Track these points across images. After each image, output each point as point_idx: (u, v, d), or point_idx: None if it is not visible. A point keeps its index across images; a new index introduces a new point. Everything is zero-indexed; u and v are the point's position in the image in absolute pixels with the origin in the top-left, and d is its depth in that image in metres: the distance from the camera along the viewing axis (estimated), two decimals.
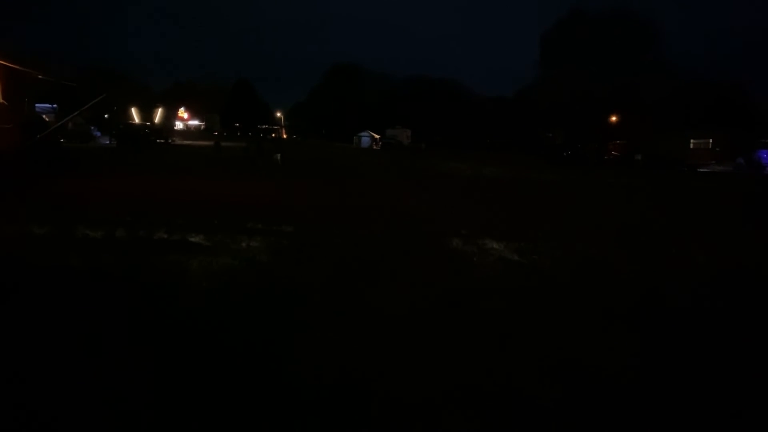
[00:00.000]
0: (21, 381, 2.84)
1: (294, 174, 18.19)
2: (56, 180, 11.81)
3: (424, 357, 3.36)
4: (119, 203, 9.02)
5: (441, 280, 5.14)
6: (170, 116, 49.13)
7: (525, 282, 5.25)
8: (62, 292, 4.31)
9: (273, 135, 74.58)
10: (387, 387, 2.92)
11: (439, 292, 4.73)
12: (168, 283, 4.61)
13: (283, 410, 2.66)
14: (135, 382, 2.87)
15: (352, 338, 3.61)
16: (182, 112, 75.20)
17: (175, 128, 54.19)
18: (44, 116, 23.61)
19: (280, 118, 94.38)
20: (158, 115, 42.08)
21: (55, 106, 32.29)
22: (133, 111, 39.79)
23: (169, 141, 37.89)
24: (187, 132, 65.26)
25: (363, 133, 69.17)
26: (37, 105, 26.37)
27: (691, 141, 44.86)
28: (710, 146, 43.78)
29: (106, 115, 42.99)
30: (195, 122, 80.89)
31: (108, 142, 33.06)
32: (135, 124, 36.93)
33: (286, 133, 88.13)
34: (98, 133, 36.12)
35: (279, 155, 22.68)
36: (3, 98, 12.76)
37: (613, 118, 52.87)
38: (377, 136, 67.23)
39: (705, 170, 38.84)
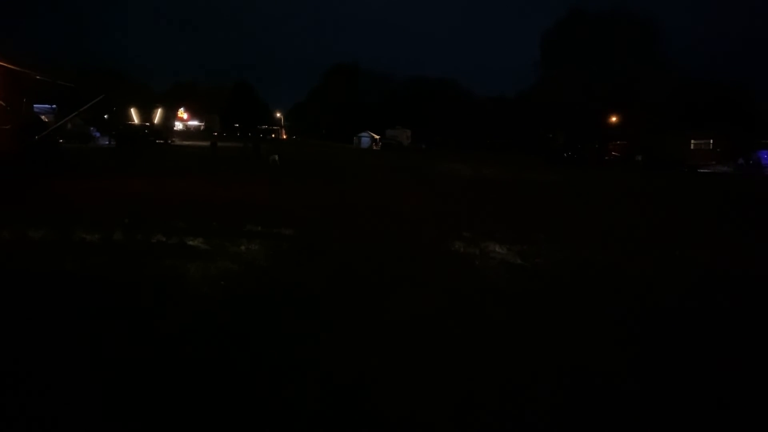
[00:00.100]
0: (11, 392, 2.75)
1: (292, 175, 18.09)
2: (54, 181, 11.72)
3: (428, 366, 3.27)
4: (118, 205, 8.93)
5: (443, 285, 5.05)
6: (170, 117, 48.98)
7: (529, 286, 5.16)
8: (57, 297, 4.22)
9: (273, 135, 74.48)
10: (389, 398, 2.84)
11: (441, 297, 4.64)
12: (167, 288, 4.52)
13: (283, 422, 2.58)
14: (130, 392, 2.78)
15: (354, 346, 3.52)
16: (182, 113, 75.04)
17: (175, 129, 54.06)
18: (43, 117, 23.54)
19: (279, 119, 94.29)
20: (158, 115, 41.98)
21: (54, 106, 32.21)
22: (133, 111, 39.72)
23: (169, 142, 37.81)
24: (187, 132, 65.13)
25: (363, 134, 69.07)
26: (36, 106, 26.29)
27: (692, 141, 44.80)
28: (711, 147, 43.71)
29: (105, 116, 42.89)
30: (195, 123, 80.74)
31: (107, 142, 32.96)
32: (134, 124, 36.85)
33: (285, 134, 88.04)
34: (98, 134, 36.00)
35: (276, 156, 22.57)
36: (1, 99, 12.68)
37: (614, 119, 52.79)
38: (377, 137, 67.13)
39: (706, 171, 38.78)
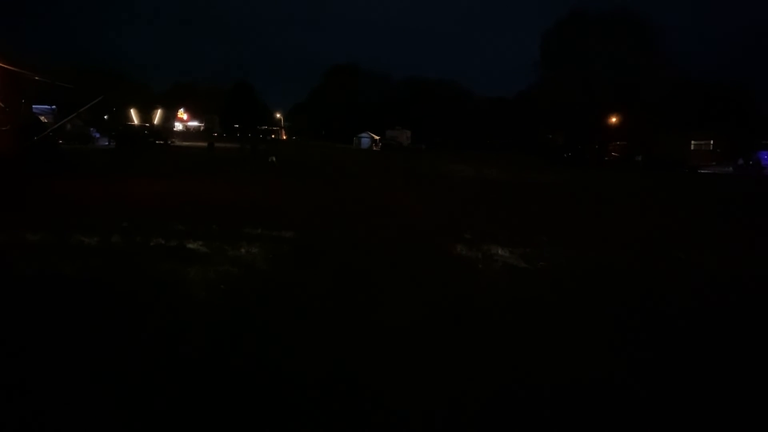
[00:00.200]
0: (4, 399, 2.69)
1: (290, 176, 18.03)
2: (53, 182, 11.66)
3: (432, 374, 3.21)
4: (116, 207, 8.86)
5: (445, 288, 4.99)
6: (169, 117, 48.99)
7: (534, 291, 5.10)
8: (53, 302, 4.15)
9: (273, 136, 74.38)
10: (389, 404, 2.78)
11: (444, 301, 4.58)
12: (165, 293, 4.46)
13: (283, 425, 2.52)
14: (127, 398, 2.72)
15: (354, 353, 3.45)
16: (181, 114, 74.98)
17: (175, 129, 54.03)
18: (42, 117, 23.48)
19: (279, 119, 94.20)
20: (157, 116, 41.97)
21: (53, 107, 32.14)
22: (132, 112, 39.68)
23: (168, 142, 37.76)
24: (187, 133, 65.06)
25: (363, 134, 69.02)
26: (35, 106, 26.22)
27: (692, 142, 44.77)
28: (711, 147, 43.68)
29: (105, 117, 42.85)
30: (194, 123, 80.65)
31: (107, 143, 32.90)
32: (134, 125, 36.82)
33: (285, 134, 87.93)
34: (97, 135, 35.95)
35: (274, 157, 22.52)
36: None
37: (614, 119, 52.74)
38: (377, 137, 67.08)
39: (706, 171, 38.76)
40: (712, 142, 43.97)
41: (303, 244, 6.69)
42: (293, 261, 5.79)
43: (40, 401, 2.70)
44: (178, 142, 40.88)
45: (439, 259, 6.20)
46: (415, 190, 15.44)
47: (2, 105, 12.64)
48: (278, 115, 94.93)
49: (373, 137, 67.29)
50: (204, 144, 36.37)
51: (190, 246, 6.09)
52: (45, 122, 20.54)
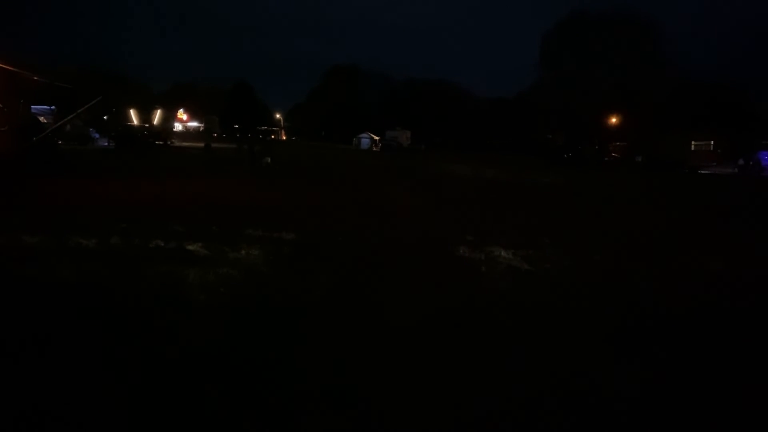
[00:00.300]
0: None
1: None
2: (51, 183, 11.58)
3: (438, 379, 3.14)
4: (115, 208, 8.79)
5: (449, 292, 4.92)
6: (169, 118, 48.86)
7: (539, 295, 5.03)
8: (48, 306, 4.08)
9: (273, 136, 74.30)
10: (391, 411, 2.70)
11: (447, 306, 4.51)
12: (164, 296, 4.39)
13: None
14: (125, 403, 2.64)
15: (356, 360, 3.38)
16: (181, 114, 74.94)
17: (174, 130, 53.95)
18: (42, 118, 23.41)
19: (279, 120, 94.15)
20: (157, 116, 41.86)
21: (53, 108, 32.07)
22: (132, 113, 39.59)
23: (168, 143, 37.67)
24: (186, 134, 65.02)
25: (362, 135, 68.99)
26: (35, 107, 26.15)
27: (692, 142, 44.66)
28: (711, 148, 43.58)
29: (104, 117, 42.77)
30: (194, 124, 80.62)
31: (106, 144, 32.83)
32: (133, 126, 36.72)
33: (285, 135, 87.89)
34: (97, 135, 35.86)
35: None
36: None
37: (614, 120, 52.72)
38: (377, 138, 67.03)
39: (706, 172, 38.68)
40: (712, 142, 43.85)
41: (303, 245, 6.62)
42: (294, 263, 5.72)
43: (36, 406, 2.62)
44: (177, 143, 40.79)
45: (441, 262, 6.13)
46: (414, 191, 15.37)
47: (1, 105, 12.57)
48: (278, 116, 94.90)
49: (372, 138, 67.25)
50: (204, 144, 36.26)
51: (190, 248, 6.02)
52: (44, 123, 20.47)
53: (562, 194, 16.80)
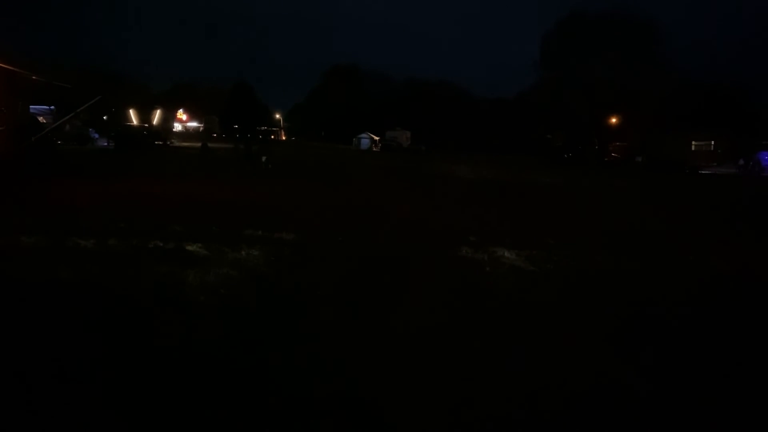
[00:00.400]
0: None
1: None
2: (50, 183, 11.50)
3: (443, 384, 3.06)
4: (114, 208, 8.71)
5: (453, 294, 4.84)
6: (169, 118, 48.80)
7: (544, 295, 4.95)
8: (45, 307, 4.00)
9: (273, 137, 74.19)
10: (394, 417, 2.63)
11: (452, 307, 4.43)
12: (163, 298, 4.30)
13: None
14: (122, 407, 2.56)
15: (358, 363, 3.30)
16: (181, 114, 74.82)
17: (174, 130, 53.88)
18: (41, 118, 23.33)
19: (279, 120, 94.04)
20: (156, 116, 41.80)
21: (52, 107, 31.98)
22: (131, 113, 39.53)
23: (168, 143, 37.60)
24: (186, 134, 64.92)
25: (362, 135, 68.85)
26: (34, 107, 26.06)
27: (693, 143, 44.57)
28: (712, 148, 43.49)
29: (104, 117, 42.70)
30: (194, 124, 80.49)
31: (106, 144, 32.74)
32: (133, 126, 36.66)
33: (285, 135, 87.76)
34: (96, 135, 35.77)
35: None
36: None
37: (614, 120, 52.64)
38: (377, 138, 66.92)
39: (707, 172, 38.61)
40: (713, 142, 43.73)
41: (301, 247, 6.54)
42: (295, 264, 5.64)
43: (33, 409, 2.55)
44: (177, 143, 40.71)
45: (444, 263, 6.05)
46: (415, 192, 15.29)
47: None
48: (278, 116, 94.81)
49: (372, 138, 67.13)
50: (208, 144, 36.15)
51: (189, 248, 5.94)
52: (43, 122, 20.38)
53: (562, 194, 16.73)
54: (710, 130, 45.11)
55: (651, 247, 7.77)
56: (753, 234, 9.75)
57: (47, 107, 30.42)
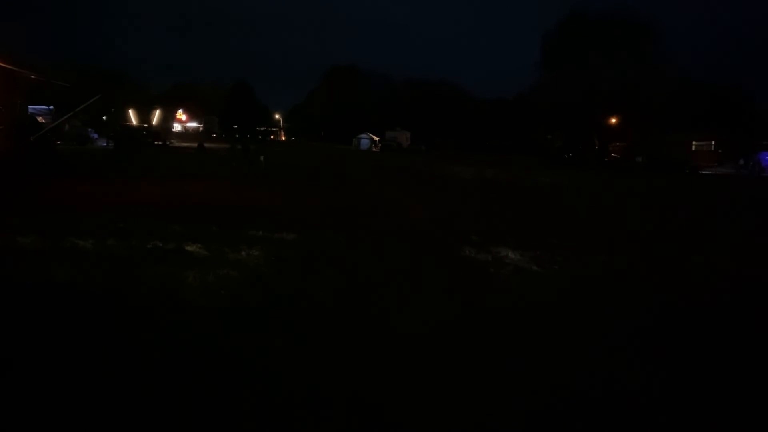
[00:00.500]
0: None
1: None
2: (49, 183, 11.42)
3: (449, 389, 2.98)
4: (113, 208, 8.63)
5: (458, 295, 4.76)
6: (168, 118, 48.73)
7: (550, 295, 4.87)
8: (42, 309, 3.92)
9: (272, 137, 74.10)
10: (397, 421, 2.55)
11: (456, 309, 4.35)
12: (162, 300, 4.22)
13: None
14: (121, 409, 2.49)
15: (362, 367, 3.22)
16: (180, 114, 74.71)
17: (174, 130, 53.79)
18: (40, 118, 23.24)
19: (279, 120, 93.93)
20: (156, 117, 41.74)
21: (51, 107, 31.92)
22: (131, 113, 39.45)
23: (167, 143, 37.53)
24: (186, 134, 64.81)
25: (362, 135, 68.73)
26: (34, 107, 25.98)
27: (693, 143, 44.49)
28: (712, 148, 43.41)
29: (104, 117, 42.64)
30: (193, 124, 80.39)
31: (105, 144, 32.67)
32: (132, 126, 36.60)
33: (285, 135, 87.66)
34: (95, 135, 35.70)
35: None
36: None
37: (614, 120, 52.56)
38: (377, 138, 66.82)
39: (707, 172, 38.54)
40: (713, 142, 43.66)
41: (303, 247, 6.46)
42: (296, 265, 5.56)
43: (31, 411, 2.47)
44: (176, 143, 40.64)
45: (447, 264, 5.97)
46: (416, 192, 15.21)
47: None
48: (277, 116, 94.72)
49: (372, 138, 67.02)
50: (207, 144, 36.07)
51: (189, 249, 5.87)
52: (42, 122, 20.28)
53: (563, 195, 16.65)
54: (711, 130, 45.04)
55: (654, 247, 7.69)
56: (755, 235, 9.67)
57: (46, 107, 30.34)
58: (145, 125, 37.97)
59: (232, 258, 5.57)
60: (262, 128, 78.37)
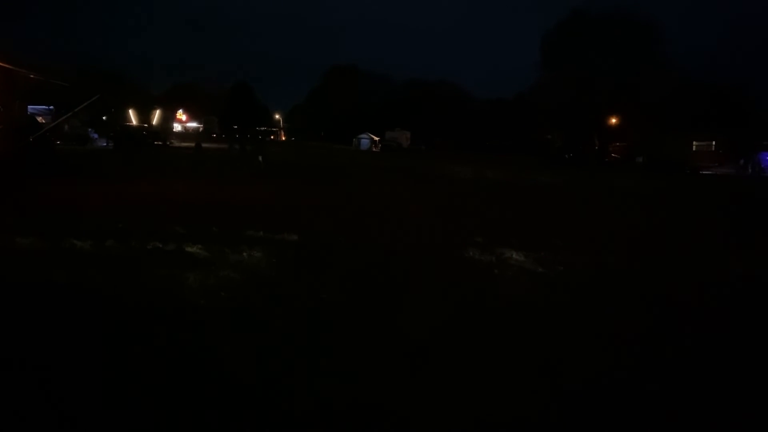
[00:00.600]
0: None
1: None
2: (48, 184, 11.36)
3: (454, 394, 2.92)
4: (112, 208, 8.58)
5: (462, 297, 4.70)
6: (168, 118, 48.70)
7: (556, 296, 4.81)
8: (41, 311, 3.86)
9: (272, 137, 74.05)
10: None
11: (462, 311, 4.29)
12: (162, 301, 4.17)
13: None
14: (120, 412, 2.43)
15: (366, 371, 3.16)
16: (180, 114, 74.66)
17: (174, 130, 53.74)
18: (40, 118, 23.17)
19: (278, 120, 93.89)
20: (156, 117, 41.69)
21: (51, 107, 31.84)
22: (131, 113, 39.40)
23: (167, 143, 37.47)
24: (185, 134, 64.75)
25: (362, 135, 68.66)
26: (33, 107, 25.90)
27: (694, 143, 44.45)
28: (713, 148, 43.36)
29: (103, 117, 42.57)
30: (193, 124, 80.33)
31: (105, 144, 32.61)
32: (132, 126, 36.55)
33: (284, 135, 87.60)
34: (95, 135, 35.63)
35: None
36: None
37: (614, 120, 52.53)
38: (377, 138, 66.77)
39: (708, 172, 38.50)
40: (713, 142, 43.62)
41: (305, 248, 6.40)
42: (297, 267, 5.50)
43: (31, 411, 2.41)
44: (176, 143, 40.59)
45: (451, 265, 5.91)
46: (417, 192, 15.16)
47: None
48: (277, 116, 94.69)
49: (372, 138, 66.95)
50: (205, 144, 36.03)
51: (189, 249, 5.81)
52: (42, 122, 20.22)
53: (565, 195, 16.60)
54: (711, 130, 45.00)
55: (658, 247, 7.64)
56: (757, 235, 9.62)
57: (46, 107, 30.26)
58: (145, 125, 37.92)
59: (233, 259, 5.51)
60: (262, 128, 78.30)
